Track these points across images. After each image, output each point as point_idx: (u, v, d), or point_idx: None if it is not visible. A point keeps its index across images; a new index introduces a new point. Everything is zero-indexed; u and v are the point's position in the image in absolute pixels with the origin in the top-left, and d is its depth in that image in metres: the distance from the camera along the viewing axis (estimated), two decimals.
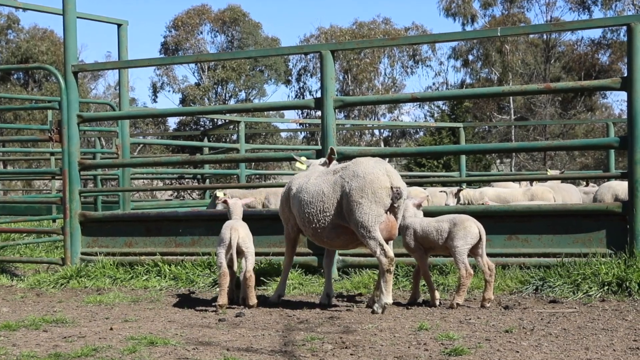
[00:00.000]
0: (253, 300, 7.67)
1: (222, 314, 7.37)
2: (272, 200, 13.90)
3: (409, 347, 5.72)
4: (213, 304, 7.78)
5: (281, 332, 6.42)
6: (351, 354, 5.54)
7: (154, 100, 62.56)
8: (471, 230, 7.32)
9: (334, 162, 8.16)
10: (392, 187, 7.18)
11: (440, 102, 49.05)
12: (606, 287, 7.76)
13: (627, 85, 8.22)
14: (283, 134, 55.35)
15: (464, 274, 7.37)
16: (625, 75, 8.32)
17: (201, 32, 61.78)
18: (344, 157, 9.43)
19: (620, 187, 11.80)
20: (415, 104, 58.81)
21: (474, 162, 38.61)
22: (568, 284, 7.89)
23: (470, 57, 58.46)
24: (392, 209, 7.27)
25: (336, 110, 9.57)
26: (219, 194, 11.70)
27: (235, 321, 7.04)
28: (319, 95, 9.55)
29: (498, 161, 48.77)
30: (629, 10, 51.16)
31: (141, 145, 43.04)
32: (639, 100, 8.16)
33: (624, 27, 8.40)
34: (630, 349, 5.51)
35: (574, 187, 13.76)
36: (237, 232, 7.61)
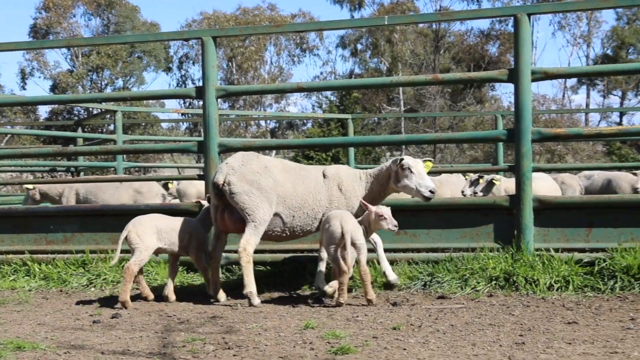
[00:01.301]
0: (372, 295, 7.52)
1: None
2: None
3: (294, 347, 5.75)
4: (329, 301, 7.76)
5: (160, 333, 6.35)
6: (234, 355, 5.53)
7: (23, 88, 60.57)
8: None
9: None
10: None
11: (328, 93, 49.42)
12: (494, 282, 8.01)
13: (514, 77, 8.49)
14: (164, 125, 54.64)
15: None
16: (513, 67, 8.58)
17: (74, 15, 60.24)
18: (227, 149, 9.40)
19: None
20: (302, 94, 59.04)
21: (364, 154, 39.07)
22: (456, 279, 8.10)
23: (359, 47, 59.10)
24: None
25: (219, 100, 9.52)
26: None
27: (111, 323, 6.92)
28: (201, 84, 9.47)
29: (388, 153, 49.48)
30: (517, 1, 52.82)
31: (9, 135, 41.68)
32: (526, 93, 8.44)
33: (512, 18, 8.66)
34: (516, 344, 5.70)
35: (454, 178, 14.11)
36: (348, 224, 7.52)
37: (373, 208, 7.60)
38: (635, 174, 14.00)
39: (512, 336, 5.99)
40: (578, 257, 8.15)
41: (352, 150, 19.44)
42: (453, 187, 13.81)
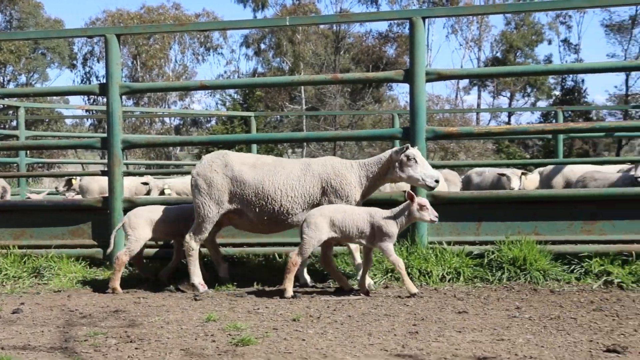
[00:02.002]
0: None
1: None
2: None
3: (196, 339, 5.70)
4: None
5: (62, 328, 6.20)
6: (136, 348, 5.45)
7: None
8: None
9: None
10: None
11: (232, 91, 49.19)
12: (389, 274, 8.12)
13: (410, 78, 8.61)
14: (68, 121, 53.34)
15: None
16: (408, 68, 8.69)
17: None
18: (130, 146, 9.27)
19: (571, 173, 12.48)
20: (207, 92, 58.62)
21: (266, 151, 39.04)
22: (355, 272, 8.15)
23: (263, 46, 58.95)
24: None
25: (123, 97, 9.36)
26: None
27: (12, 318, 6.73)
28: (105, 81, 9.30)
29: (290, 151, 49.52)
30: (414, 5, 53.60)
31: None
32: (420, 93, 8.57)
33: (408, 21, 8.77)
34: (410, 333, 5.79)
35: None
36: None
37: (416, 198, 7.38)
38: (525, 173, 14.38)
39: (406, 326, 6.08)
40: (469, 249, 8.32)
41: (254, 147, 19.35)
42: None
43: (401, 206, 7.44)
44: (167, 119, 57.00)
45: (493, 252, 8.20)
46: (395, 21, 52.05)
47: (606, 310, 6.54)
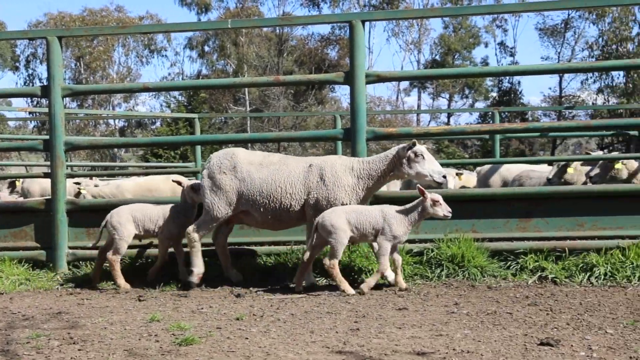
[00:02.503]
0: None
1: None
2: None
3: (139, 340, 5.63)
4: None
5: (4, 331, 6.07)
6: (79, 350, 5.36)
7: None
8: None
9: None
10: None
11: (176, 93, 48.80)
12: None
13: (350, 80, 8.62)
14: (11, 123, 52.41)
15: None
16: (349, 70, 8.71)
17: None
18: (73, 147, 9.15)
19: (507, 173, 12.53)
20: (151, 94, 58.05)
21: (211, 152, 38.81)
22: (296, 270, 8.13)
23: (207, 49, 58.64)
24: None
25: (66, 99, 9.23)
26: None
27: None
28: (47, 82, 9.15)
29: None
30: (355, 8, 53.80)
31: None
32: (360, 94, 8.60)
33: (348, 24, 8.78)
34: (351, 330, 5.80)
35: None
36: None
37: (428, 194, 7.31)
38: (460, 173, 14.55)
39: (347, 323, 6.09)
40: (409, 247, 8.36)
41: (199, 148, 19.24)
42: None
43: (414, 203, 7.39)
44: (111, 121, 56.32)
45: (432, 250, 8.25)
46: (337, 24, 52.23)
47: (540, 305, 6.63)
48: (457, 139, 40.11)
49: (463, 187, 12.84)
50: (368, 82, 8.66)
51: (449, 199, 8.11)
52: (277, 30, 54.13)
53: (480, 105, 56.37)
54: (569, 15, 50.57)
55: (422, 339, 5.45)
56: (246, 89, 50.78)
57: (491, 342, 5.34)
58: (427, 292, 7.41)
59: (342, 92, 58.13)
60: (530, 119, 46.95)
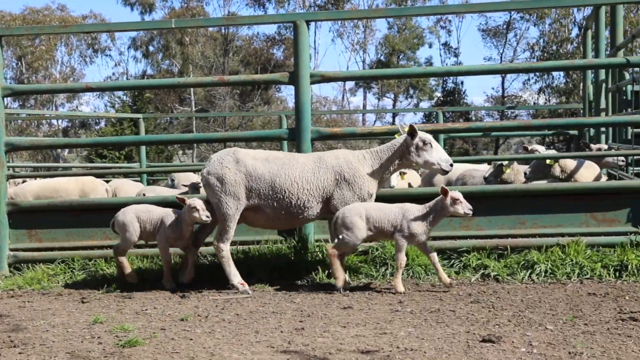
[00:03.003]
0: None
1: None
2: None
3: (82, 342, 5.57)
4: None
5: None
6: (20, 353, 5.27)
7: None
8: None
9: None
10: None
11: (121, 93, 48.22)
12: (277, 272, 8.10)
13: (295, 80, 8.62)
14: None
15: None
16: (293, 70, 8.71)
17: None
18: (14, 148, 8.99)
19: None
20: (96, 94, 57.31)
21: (157, 153, 38.46)
22: (244, 270, 8.10)
23: (151, 48, 58.10)
24: None
25: (7, 99, 9.04)
26: None
27: None
28: None
29: (180, 152, 48.98)
30: (300, 9, 53.81)
31: None
32: (305, 94, 8.60)
33: (292, 24, 8.77)
34: (296, 329, 5.81)
35: None
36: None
37: (450, 192, 7.27)
38: (403, 172, 14.59)
39: (292, 322, 6.09)
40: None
41: (144, 148, 19.08)
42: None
43: (434, 201, 7.37)
44: (54, 121, 55.43)
45: (377, 249, 8.28)
46: (282, 24, 52.20)
47: (483, 302, 6.71)
48: None
49: (410, 185, 12.93)
50: (313, 82, 8.66)
51: (394, 198, 8.17)
52: (223, 30, 53.88)
53: (424, 105, 56.90)
54: (510, 16, 51.33)
55: (366, 338, 5.48)
56: (192, 89, 50.48)
57: (434, 339, 5.39)
58: (371, 290, 7.44)
59: (288, 92, 58.15)
60: (473, 118, 47.48)
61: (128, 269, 8.01)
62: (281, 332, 5.76)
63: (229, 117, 48.05)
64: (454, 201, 7.20)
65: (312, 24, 8.61)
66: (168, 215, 7.85)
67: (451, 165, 7.61)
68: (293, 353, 5.10)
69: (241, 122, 48.90)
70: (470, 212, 7.23)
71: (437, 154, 7.56)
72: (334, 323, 6.02)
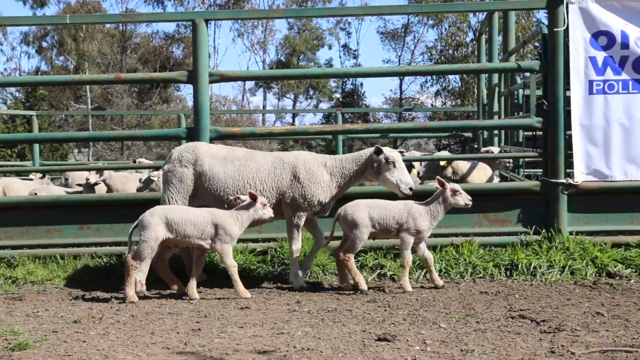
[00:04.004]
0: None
1: None
2: None
3: None
4: None
5: None
6: None
7: None
8: None
9: None
10: None
11: (13, 89, 46.77)
12: (176, 272, 7.99)
13: (193, 79, 8.54)
14: None
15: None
16: (192, 69, 8.63)
17: None
18: None
19: None
20: None
21: (51, 151, 37.46)
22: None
23: (45, 44, 56.53)
24: None
25: None
26: None
27: None
28: None
29: (76, 150, 47.83)
30: (200, 7, 53.34)
31: None
32: (204, 93, 8.53)
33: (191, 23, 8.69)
34: (192, 330, 5.77)
35: (132, 176, 13.90)
36: None
37: (448, 184, 7.23)
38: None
39: (189, 323, 6.05)
40: (252, 247, 8.37)
41: (37, 146, 18.56)
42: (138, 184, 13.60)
43: (433, 195, 7.36)
44: None
45: (275, 249, 8.30)
46: (182, 23, 51.63)
47: (379, 302, 6.80)
48: (301, 138, 40.49)
49: None
50: (212, 82, 8.61)
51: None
52: (121, 27, 52.93)
53: (324, 106, 57.17)
54: (408, 20, 52.13)
55: (263, 338, 5.48)
56: (87, 87, 49.38)
57: (331, 339, 5.44)
58: (269, 290, 7.44)
59: (187, 91, 57.45)
60: (372, 120, 48.05)
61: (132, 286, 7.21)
62: (177, 333, 5.71)
63: (126, 116, 47.21)
64: (454, 192, 7.26)
65: (212, 22, 8.54)
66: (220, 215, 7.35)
67: (410, 189, 7.41)
68: (189, 354, 5.06)
69: (139, 121, 48.13)
70: (470, 203, 7.28)
71: (398, 174, 7.43)
72: (231, 323, 6.00)
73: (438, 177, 7.48)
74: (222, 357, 4.98)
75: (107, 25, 52.06)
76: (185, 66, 51.39)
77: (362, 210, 7.26)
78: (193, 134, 8.58)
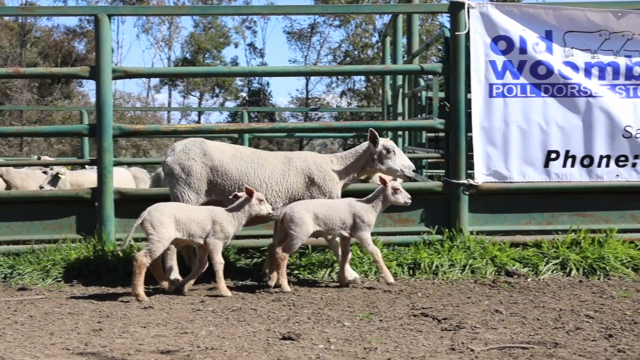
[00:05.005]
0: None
1: None
2: None
3: None
4: None
5: None
6: None
7: None
8: None
9: None
10: None
11: None
12: (76, 272, 7.86)
13: (96, 75, 8.38)
14: None
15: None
16: (94, 64, 8.47)
17: None
18: None
19: None
20: None
21: None
22: (38, 270, 7.80)
23: None
24: None
25: None
26: None
27: None
28: None
29: None
30: (103, 2, 52.35)
31: None
32: (106, 89, 8.38)
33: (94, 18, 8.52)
34: (93, 331, 5.66)
35: (33, 172, 13.55)
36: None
37: (390, 182, 7.22)
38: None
39: (90, 323, 5.93)
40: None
41: None
42: (39, 181, 13.27)
43: (375, 192, 7.38)
44: None
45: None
46: (86, 17, 50.55)
47: (284, 301, 6.81)
48: (207, 137, 40.19)
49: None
50: (115, 78, 8.47)
51: None
52: (20, 20, 51.45)
53: (230, 104, 56.89)
54: (314, 20, 52.39)
55: (166, 338, 5.42)
56: None
57: (235, 338, 5.42)
58: (173, 290, 7.36)
59: (90, 87, 56.32)
60: (278, 119, 48.10)
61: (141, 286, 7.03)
62: (78, 333, 5.59)
63: (26, 111, 45.92)
64: (395, 191, 7.34)
65: (116, 18, 8.39)
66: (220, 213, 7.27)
67: (414, 170, 7.76)
68: (90, 355, 4.96)
69: (40, 117, 46.91)
70: (410, 202, 7.40)
71: (400, 160, 7.62)
72: (134, 323, 5.92)
73: (381, 175, 7.56)
74: (124, 357, 4.90)
75: (6, 18, 50.51)
76: (88, 61, 50.38)
77: (308, 210, 7.25)
78: (95, 131, 8.42)
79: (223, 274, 7.06)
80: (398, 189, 7.37)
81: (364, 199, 7.47)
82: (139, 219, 6.92)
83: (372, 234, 7.91)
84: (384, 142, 7.67)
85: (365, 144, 7.78)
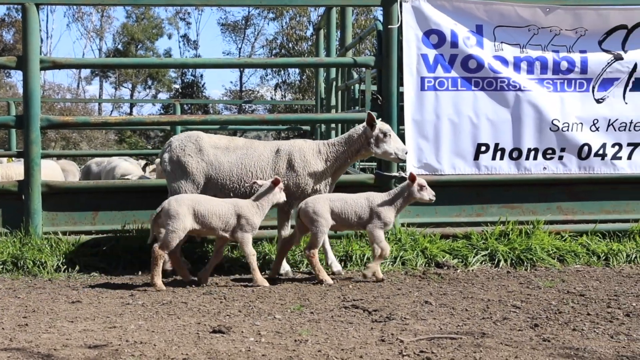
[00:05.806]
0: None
1: None
2: None
3: None
4: None
5: None
6: None
7: None
8: None
9: None
10: None
11: None
12: (1, 266, 7.71)
13: (23, 65, 8.22)
14: None
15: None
16: (22, 54, 8.29)
17: None
18: None
19: None
20: None
21: None
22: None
23: None
24: None
25: None
26: None
27: None
28: None
29: None
30: None
31: None
32: (34, 80, 8.24)
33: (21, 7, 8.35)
34: (19, 326, 5.57)
35: None
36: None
37: (417, 178, 7.13)
38: (148, 163, 14.52)
39: (15, 318, 5.83)
40: (85, 239, 8.15)
41: None
42: None
43: (399, 188, 7.30)
44: None
45: (111, 241, 8.12)
46: (14, 6, 49.44)
47: (215, 294, 6.79)
48: (137, 129, 39.69)
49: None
50: (43, 68, 8.32)
51: (129, 190, 8.04)
52: None
53: (163, 96, 56.33)
54: (249, 12, 52.21)
55: (94, 332, 5.35)
56: None
57: (165, 331, 5.38)
58: (103, 283, 7.28)
59: (18, 78, 55.09)
60: (211, 111, 47.78)
61: (159, 275, 7.13)
62: (2, 328, 5.48)
63: None
64: (421, 187, 7.28)
65: (45, 7, 8.25)
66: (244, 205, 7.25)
67: (406, 153, 7.79)
68: (15, 350, 4.87)
69: None
70: (434, 199, 7.34)
71: (394, 143, 7.61)
72: (61, 318, 5.83)
73: (411, 172, 7.54)
74: (51, 352, 4.82)
75: None
76: (16, 51, 49.29)
77: (324, 204, 7.24)
78: (23, 122, 8.26)
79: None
80: (424, 186, 7.34)
81: (386, 193, 7.46)
82: (159, 208, 6.99)
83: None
84: (381, 125, 7.66)
85: (360, 127, 7.73)
